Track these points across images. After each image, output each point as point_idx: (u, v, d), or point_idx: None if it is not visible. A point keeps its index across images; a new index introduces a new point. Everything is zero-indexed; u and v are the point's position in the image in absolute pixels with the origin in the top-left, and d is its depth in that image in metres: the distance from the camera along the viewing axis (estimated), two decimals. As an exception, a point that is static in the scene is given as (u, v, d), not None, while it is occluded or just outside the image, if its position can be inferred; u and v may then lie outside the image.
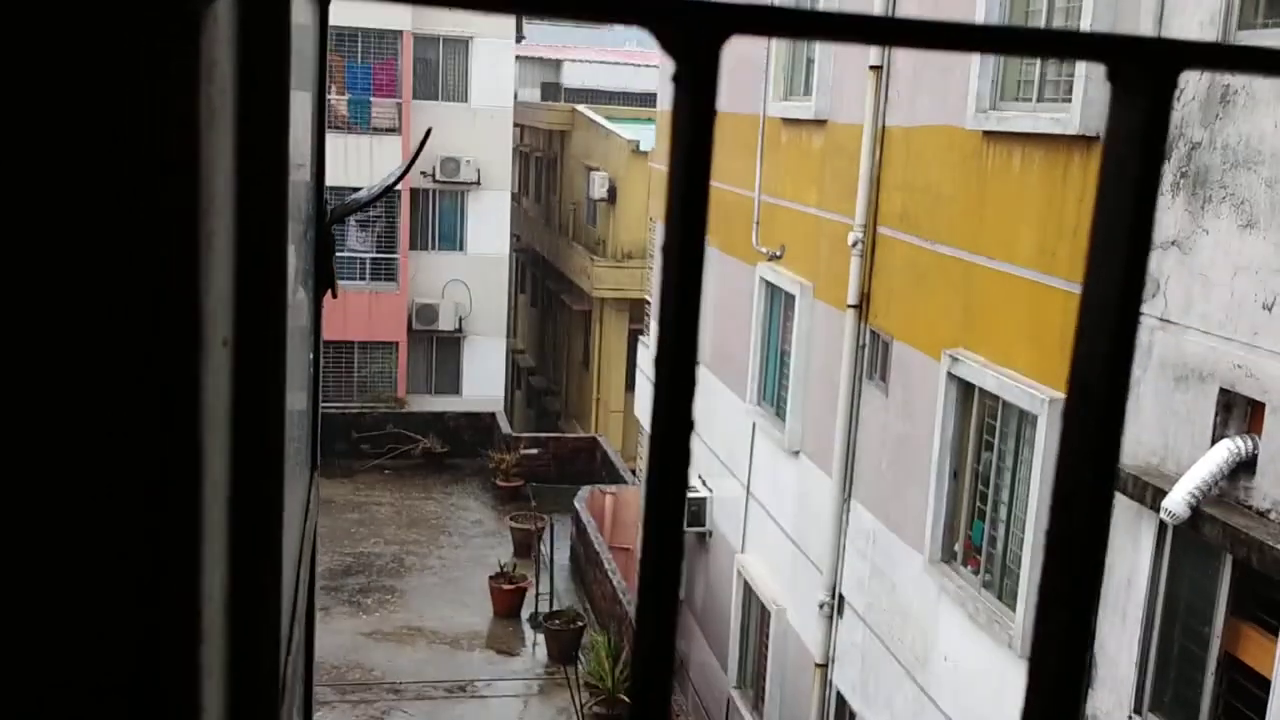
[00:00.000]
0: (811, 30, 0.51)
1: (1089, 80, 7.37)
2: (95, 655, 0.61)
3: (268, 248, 0.79)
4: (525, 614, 17.69)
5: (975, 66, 8.69)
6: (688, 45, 0.47)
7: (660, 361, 0.51)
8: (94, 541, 0.60)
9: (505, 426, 25.00)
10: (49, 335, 0.57)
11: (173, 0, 0.55)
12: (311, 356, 1.92)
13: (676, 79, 0.49)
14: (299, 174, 1.51)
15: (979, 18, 8.69)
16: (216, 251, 0.63)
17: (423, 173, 25.85)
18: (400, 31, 25.54)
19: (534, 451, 23.24)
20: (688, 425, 0.51)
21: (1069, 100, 7.80)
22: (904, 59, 10.11)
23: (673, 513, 0.50)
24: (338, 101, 24.89)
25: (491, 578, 17.90)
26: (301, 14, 1.51)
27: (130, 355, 0.58)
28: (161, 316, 0.57)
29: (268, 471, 0.83)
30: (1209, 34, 6.46)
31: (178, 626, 0.64)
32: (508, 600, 17.65)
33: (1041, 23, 8.32)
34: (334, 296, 2.11)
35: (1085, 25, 7.48)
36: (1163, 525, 6.56)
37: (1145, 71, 0.50)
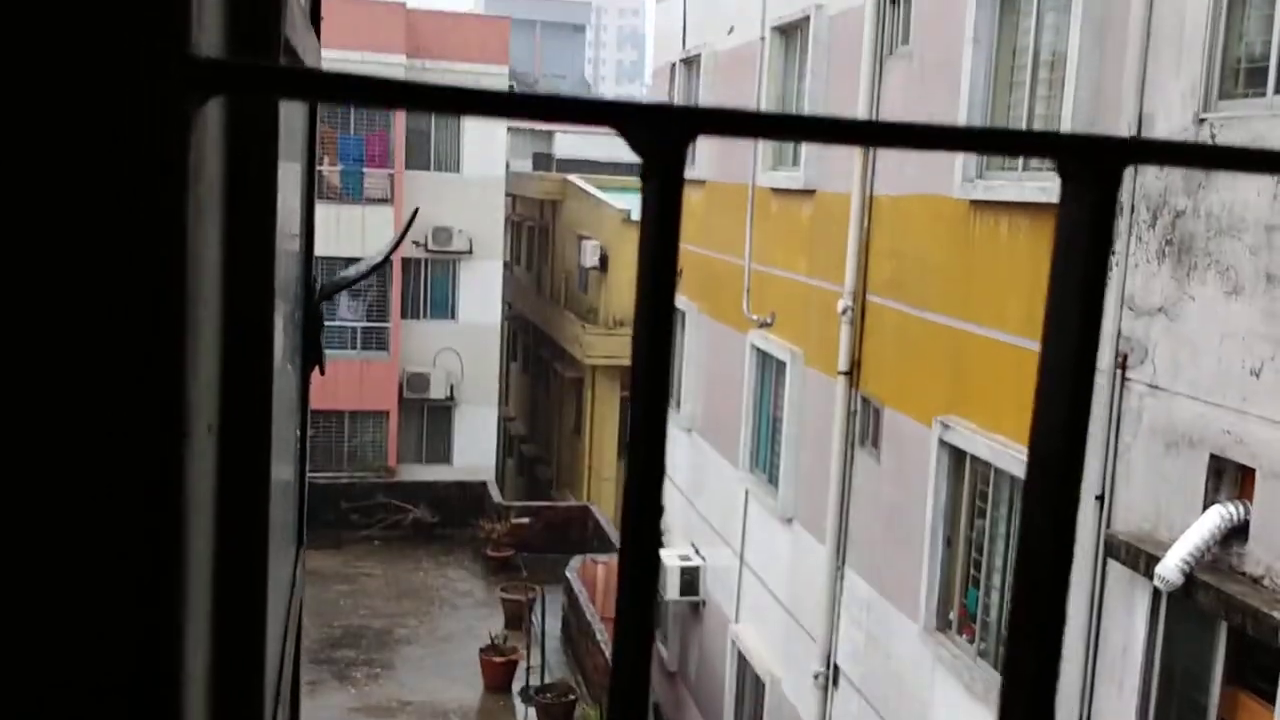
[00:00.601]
0: (771, 131, 0.53)
1: (1072, 150, 7.46)
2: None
3: (254, 335, 0.80)
4: (516, 687, 17.44)
5: (960, 137, 8.81)
6: (653, 146, 0.50)
7: (633, 440, 0.52)
8: (72, 630, 0.61)
9: (496, 495, 24.87)
10: (26, 424, 0.58)
11: (162, 104, 0.57)
12: (299, 432, 1.93)
13: (643, 177, 0.51)
14: (288, 245, 1.54)
15: (962, 99, 8.84)
16: (202, 340, 0.65)
17: (415, 242, 25.99)
18: (393, 104, 25.79)
19: (525, 520, 23.06)
20: (658, 497, 0.52)
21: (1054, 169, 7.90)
22: (890, 130, 10.25)
23: (647, 563, 0.51)
24: (330, 172, 25.09)
25: (482, 650, 17.68)
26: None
27: (112, 443, 0.59)
28: (144, 405, 0.59)
29: (252, 555, 0.84)
30: (1190, 105, 6.57)
31: (158, 709, 0.64)
32: (499, 673, 17.41)
33: (1025, 94, 8.45)
34: (321, 374, 2.12)
35: (1069, 91, 7.60)
36: (1156, 593, 6.53)
37: (1091, 168, 0.52)
